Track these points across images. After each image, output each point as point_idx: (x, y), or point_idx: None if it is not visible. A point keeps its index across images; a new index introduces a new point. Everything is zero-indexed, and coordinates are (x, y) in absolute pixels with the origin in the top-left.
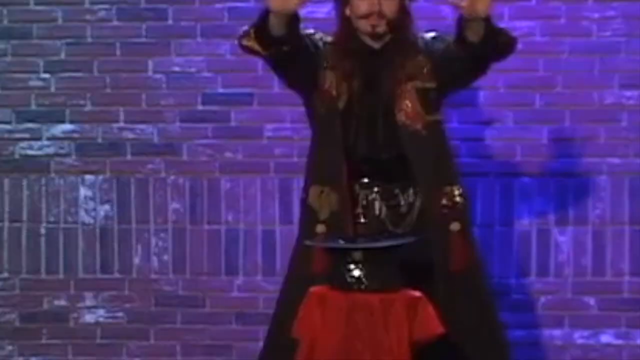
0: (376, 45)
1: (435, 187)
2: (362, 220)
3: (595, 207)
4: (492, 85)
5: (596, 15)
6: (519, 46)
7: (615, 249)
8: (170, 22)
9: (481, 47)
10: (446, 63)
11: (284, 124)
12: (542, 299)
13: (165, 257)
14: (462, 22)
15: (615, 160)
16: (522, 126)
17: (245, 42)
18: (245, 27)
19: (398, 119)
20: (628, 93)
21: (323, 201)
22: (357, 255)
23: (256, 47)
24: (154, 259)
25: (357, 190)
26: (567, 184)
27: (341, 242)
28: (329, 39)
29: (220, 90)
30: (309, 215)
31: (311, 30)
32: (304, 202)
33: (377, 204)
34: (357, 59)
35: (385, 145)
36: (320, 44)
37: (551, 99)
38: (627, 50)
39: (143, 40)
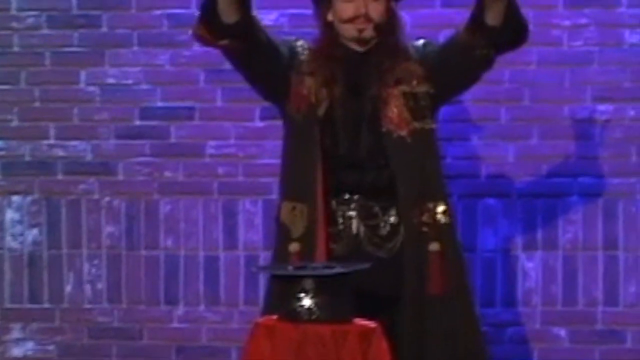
0: (361, 49)
1: (417, 200)
2: (338, 239)
3: (566, 230)
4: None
5: (567, 22)
6: None
7: (588, 276)
8: (104, 29)
9: (501, 32)
10: (444, 63)
11: (228, 141)
12: (509, 330)
13: (99, 286)
14: (482, 4)
15: (588, 180)
16: (487, 143)
17: (196, 31)
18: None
19: (383, 125)
20: (601, 107)
21: (296, 218)
22: (308, 283)
23: (207, 35)
24: (87, 288)
25: (334, 207)
26: (535, 206)
27: (290, 268)
28: (311, 45)
29: (159, 104)
30: (282, 233)
31: (293, 37)
32: (277, 220)
33: (354, 223)
34: (339, 64)
35: (369, 153)
36: (300, 49)
37: (518, 113)
38: (600, 60)
39: (75, 49)
